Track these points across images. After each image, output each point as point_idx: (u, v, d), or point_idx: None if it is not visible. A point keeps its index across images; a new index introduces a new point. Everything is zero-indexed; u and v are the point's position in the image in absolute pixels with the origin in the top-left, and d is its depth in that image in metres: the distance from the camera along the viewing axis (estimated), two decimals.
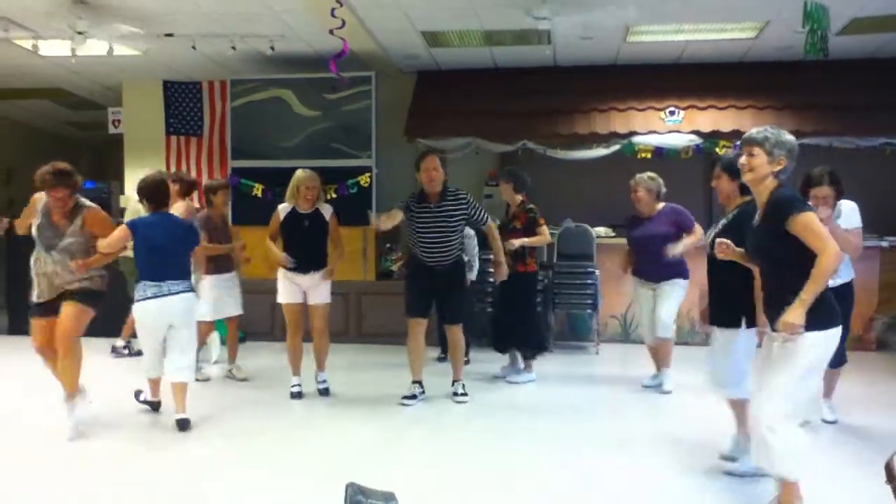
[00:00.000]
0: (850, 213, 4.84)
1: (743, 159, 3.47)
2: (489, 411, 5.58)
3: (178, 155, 9.67)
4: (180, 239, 5.07)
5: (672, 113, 8.38)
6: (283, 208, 5.86)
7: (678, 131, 8.29)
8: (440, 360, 7.24)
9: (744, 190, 4.05)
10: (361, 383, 6.46)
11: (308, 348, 6.00)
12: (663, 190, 6.09)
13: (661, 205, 6.05)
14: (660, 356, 6.27)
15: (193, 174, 9.66)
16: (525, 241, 6.25)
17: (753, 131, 3.49)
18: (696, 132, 8.25)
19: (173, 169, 9.65)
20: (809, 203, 4.48)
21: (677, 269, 5.96)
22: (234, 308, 6.55)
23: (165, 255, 4.94)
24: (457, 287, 5.81)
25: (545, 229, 6.38)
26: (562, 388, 6.38)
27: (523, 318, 6.53)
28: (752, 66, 8.53)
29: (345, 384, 6.31)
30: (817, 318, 3.22)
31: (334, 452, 4.57)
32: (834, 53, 6.81)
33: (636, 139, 8.37)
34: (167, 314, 4.94)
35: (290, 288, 5.84)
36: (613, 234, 8.39)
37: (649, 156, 8.46)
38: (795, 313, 3.18)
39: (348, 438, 4.87)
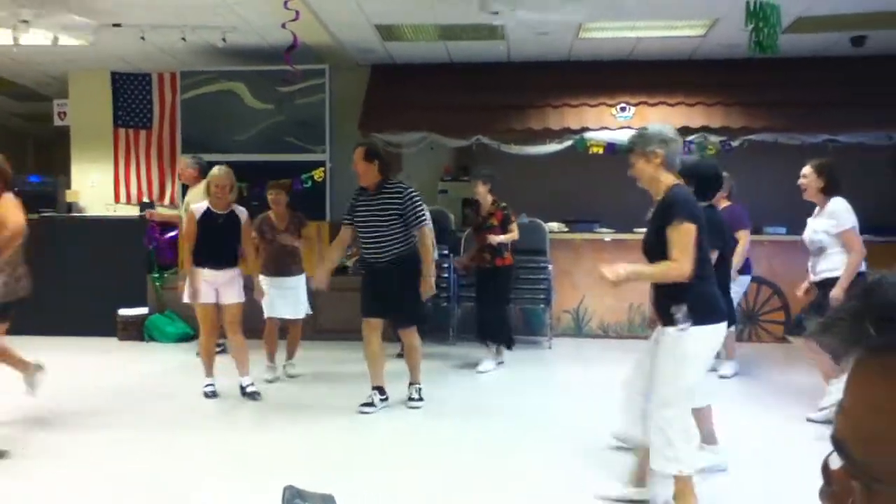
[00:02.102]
0: (833, 213, 4.89)
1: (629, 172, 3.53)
2: (460, 410, 5.54)
3: (127, 148, 9.50)
4: None
5: (623, 109, 8.49)
6: (197, 208, 5.76)
7: (629, 127, 8.39)
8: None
9: (698, 194, 4.13)
10: (330, 382, 6.37)
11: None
12: (733, 190, 6.16)
13: (725, 203, 6.06)
14: (726, 345, 6.35)
15: (143, 168, 9.52)
16: (502, 238, 6.60)
17: (626, 142, 3.57)
18: None
19: (122, 164, 9.48)
20: None
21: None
22: (287, 311, 6.29)
23: None
24: (403, 287, 5.26)
25: (515, 226, 6.75)
26: (527, 384, 6.41)
27: (502, 310, 6.88)
28: (701, 64, 8.68)
29: (315, 383, 6.29)
30: (697, 315, 3.27)
31: (316, 455, 4.49)
32: (781, 51, 6.98)
33: (588, 135, 8.47)
34: None
35: (202, 288, 5.70)
36: (566, 230, 8.47)
37: (601, 151, 8.56)
38: (621, 272, 3.28)
39: (327, 440, 4.78)
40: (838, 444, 0.70)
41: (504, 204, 6.75)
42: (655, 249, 3.39)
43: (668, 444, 3.34)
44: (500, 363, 6.90)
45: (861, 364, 0.69)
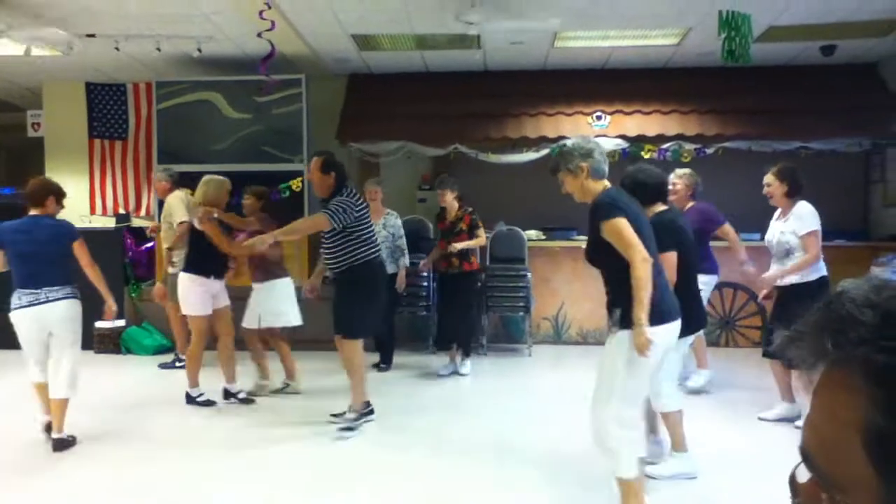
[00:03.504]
0: (801, 215, 4.95)
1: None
2: (438, 420, 5.53)
3: (103, 159, 9.41)
4: (45, 242, 4.71)
5: (599, 117, 8.56)
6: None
7: (605, 136, 8.46)
8: (375, 366, 7.19)
9: (644, 202, 4.16)
10: (317, 392, 6.35)
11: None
12: (698, 189, 6.09)
13: (690, 203, 6.04)
14: (696, 355, 6.33)
15: (119, 179, 9.44)
16: (466, 244, 6.66)
17: (550, 165, 3.60)
18: (623, 136, 8.44)
19: (97, 175, 9.40)
20: None
21: (704, 266, 5.95)
22: (256, 319, 6.07)
23: (35, 260, 4.67)
24: (341, 296, 5.18)
25: (482, 232, 6.83)
26: (508, 392, 6.42)
27: (467, 315, 6.94)
28: (675, 72, 8.78)
29: (292, 396, 6.25)
30: (630, 318, 3.25)
31: (290, 472, 4.51)
32: (753, 60, 7.05)
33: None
34: (43, 322, 4.70)
35: (206, 297, 5.74)
36: (544, 237, 8.51)
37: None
38: (639, 333, 3.19)
39: (301, 455, 4.80)
40: (805, 454, 0.72)
41: (471, 209, 6.85)
42: (594, 257, 3.46)
43: (605, 446, 3.38)
44: (465, 374, 6.84)
45: (823, 377, 0.71)
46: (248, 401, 5.84)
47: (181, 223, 6.75)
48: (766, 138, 8.36)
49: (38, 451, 4.73)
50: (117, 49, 7.56)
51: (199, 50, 7.73)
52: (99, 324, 7.93)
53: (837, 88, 8.41)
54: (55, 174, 9.44)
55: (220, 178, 5.93)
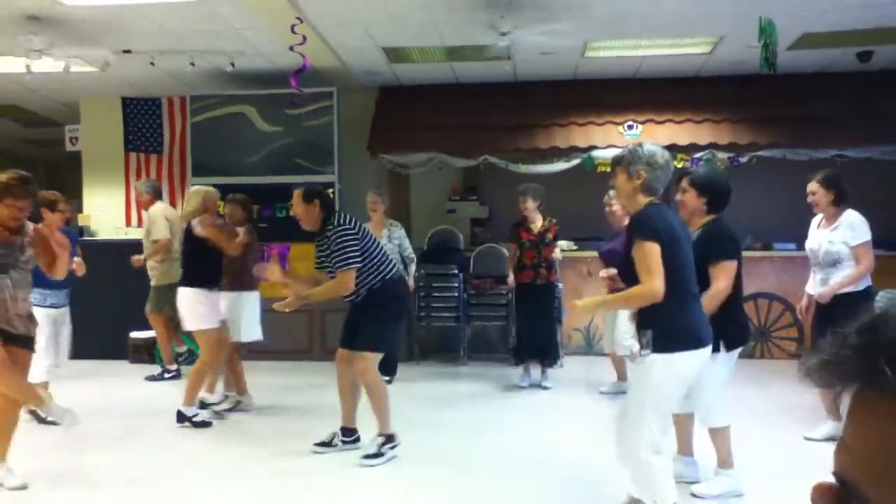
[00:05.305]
0: (853, 224, 4.81)
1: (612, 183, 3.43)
2: (471, 434, 5.54)
3: (139, 172, 9.57)
4: None
5: (630, 127, 8.50)
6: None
7: None
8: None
9: (711, 207, 4.03)
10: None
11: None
12: None
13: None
14: (621, 368, 6.34)
15: None
16: (559, 252, 6.79)
17: (617, 153, 3.50)
18: None
19: (133, 188, 9.55)
20: None
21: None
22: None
23: None
24: (365, 314, 4.79)
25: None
26: (541, 403, 6.41)
27: (553, 326, 7.05)
28: (707, 81, 8.68)
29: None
30: (659, 341, 3.15)
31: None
32: (786, 67, 6.96)
33: (596, 153, 8.46)
34: None
35: (212, 309, 5.64)
36: (576, 248, 8.46)
37: (609, 169, 8.53)
38: (587, 302, 3.44)
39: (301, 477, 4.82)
40: (842, 480, 0.68)
41: (555, 220, 6.83)
42: (625, 272, 3.35)
43: (640, 475, 3.28)
44: (547, 387, 6.75)
45: (873, 404, 0.66)
46: (217, 416, 5.78)
47: (156, 241, 7.20)
48: (801, 146, 8.23)
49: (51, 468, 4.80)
50: (152, 64, 7.69)
51: (232, 64, 7.83)
52: (134, 334, 8.05)
53: (874, 95, 8.25)
54: (92, 187, 9.69)
55: (208, 187, 6.02)
